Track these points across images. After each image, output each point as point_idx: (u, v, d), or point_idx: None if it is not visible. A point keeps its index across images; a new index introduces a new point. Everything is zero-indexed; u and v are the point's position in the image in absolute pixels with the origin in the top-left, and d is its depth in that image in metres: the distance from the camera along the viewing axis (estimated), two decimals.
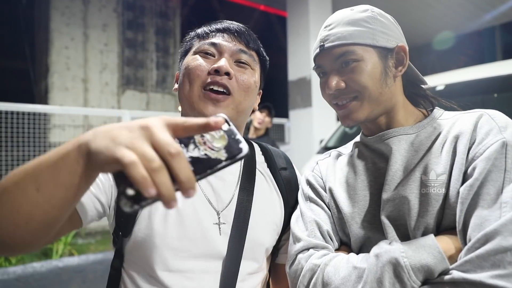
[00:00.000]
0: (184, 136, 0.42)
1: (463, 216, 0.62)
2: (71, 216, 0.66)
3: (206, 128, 0.41)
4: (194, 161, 0.41)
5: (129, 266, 0.77)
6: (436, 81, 2.55)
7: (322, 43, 0.76)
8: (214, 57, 0.80)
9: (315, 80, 4.45)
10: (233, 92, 0.78)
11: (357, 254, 0.71)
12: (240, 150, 0.42)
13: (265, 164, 0.91)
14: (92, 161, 0.43)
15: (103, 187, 0.72)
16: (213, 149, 0.42)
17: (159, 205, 0.75)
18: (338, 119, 0.86)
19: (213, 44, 0.80)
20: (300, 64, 4.75)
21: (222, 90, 0.77)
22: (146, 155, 0.37)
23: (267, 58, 0.91)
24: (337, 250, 0.78)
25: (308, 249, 0.74)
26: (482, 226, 0.58)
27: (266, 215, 0.83)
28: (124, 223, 0.75)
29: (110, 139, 0.40)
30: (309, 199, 0.83)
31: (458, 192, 0.64)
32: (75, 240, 4.53)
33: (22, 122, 3.91)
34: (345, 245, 0.79)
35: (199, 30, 0.86)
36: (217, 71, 0.76)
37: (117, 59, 6.29)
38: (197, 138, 0.43)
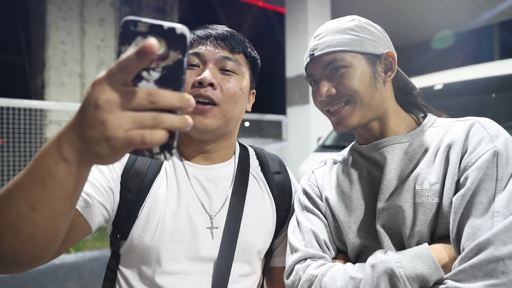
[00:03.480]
0: (133, 76, 0.38)
1: (456, 226, 0.63)
2: (81, 225, 0.68)
3: (143, 57, 0.36)
4: (163, 81, 0.38)
5: (125, 268, 0.78)
6: (434, 80, 2.55)
7: (312, 52, 0.78)
8: (199, 67, 0.79)
9: None
10: (219, 102, 0.77)
11: (354, 262, 0.73)
12: (182, 35, 0.37)
13: (259, 168, 0.92)
14: (97, 163, 0.42)
15: (106, 193, 0.73)
16: (163, 58, 0.38)
17: (156, 209, 0.77)
18: None
19: (196, 54, 0.79)
20: (298, 60, 4.74)
21: (207, 101, 0.77)
22: (141, 120, 0.37)
23: (257, 57, 0.90)
24: (334, 258, 0.79)
25: (305, 259, 0.76)
26: (475, 235, 0.59)
27: (258, 218, 0.84)
28: (122, 226, 0.76)
29: (100, 140, 0.38)
30: (305, 208, 0.84)
31: (451, 202, 0.65)
32: None
33: (18, 118, 3.89)
34: (342, 253, 0.80)
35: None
36: (200, 83, 0.76)
37: (114, 55, 6.25)
38: None
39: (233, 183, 0.85)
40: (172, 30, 0.37)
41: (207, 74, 0.76)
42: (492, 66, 2.46)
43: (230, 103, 0.79)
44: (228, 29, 0.85)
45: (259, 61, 0.90)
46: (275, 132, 6.32)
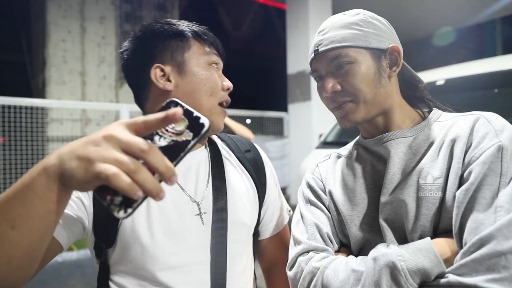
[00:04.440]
0: (148, 133, 0.43)
1: (459, 220, 0.63)
2: (51, 245, 0.65)
3: (166, 122, 0.41)
4: (165, 150, 0.43)
5: (119, 276, 0.76)
6: (437, 75, 2.53)
7: (316, 48, 0.78)
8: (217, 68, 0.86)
9: None
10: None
11: (357, 255, 0.73)
12: (203, 125, 0.44)
13: (229, 150, 0.95)
14: (67, 184, 0.43)
15: (77, 206, 0.72)
16: (177, 134, 0.44)
17: (139, 208, 0.73)
18: None
19: (217, 56, 0.86)
20: (299, 57, 4.73)
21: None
22: (122, 161, 0.39)
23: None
24: (337, 252, 0.79)
25: (308, 251, 0.76)
26: (478, 230, 0.59)
27: (241, 197, 0.87)
28: (105, 233, 0.74)
29: (80, 158, 0.40)
30: (309, 202, 0.85)
31: (455, 196, 0.65)
32: None
33: (20, 116, 3.89)
34: (345, 247, 0.81)
35: (195, 29, 0.84)
36: (228, 89, 0.85)
37: (115, 52, 6.24)
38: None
39: (210, 167, 0.87)
40: (198, 118, 0.44)
41: (230, 83, 0.87)
42: (494, 61, 2.45)
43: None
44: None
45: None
46: (276, 129, 6.31)
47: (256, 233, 0.95)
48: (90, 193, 0.75)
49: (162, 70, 0.80)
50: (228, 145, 0.96)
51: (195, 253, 0.77)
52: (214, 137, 0.96)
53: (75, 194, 0.72)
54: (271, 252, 0.98)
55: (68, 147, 0.43)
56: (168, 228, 0.75)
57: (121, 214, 0.40)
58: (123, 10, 6.38)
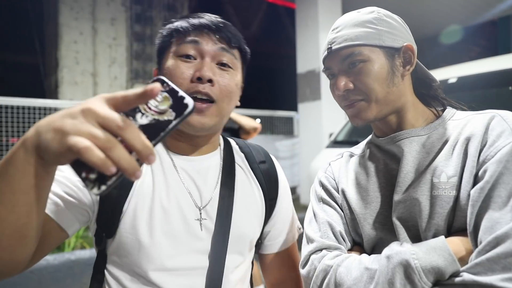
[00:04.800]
0: (127, 109, 0.42)
1: (474, 219, 0.62)
2: (53, 230, 0.66)
3: (145, 97, 0.40)
4: (145, 128, 0.41)
5: (114, 267, 0.76)
6: (449, 73, 2.50)
7: (329, 46, 0.77)
8: (196, 59, 0.76)
9: None
10: (217, 99, 0.76)
11: (370, 254, 0.72)
12: (186, 105, 0.42)
13: (244, 158, 0.91)
14: (43, 157, 0.43)
15: (81, 192, 0.71)
16: (160, 112, 0.42)
17: (144, 205, 0.74)
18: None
19: (194, 46, 0.76)
20: (309, 56, 4.71)
21: (205, 98, 0.75)
22: (97, 136, 0.38)
23: (248, 51, 0.87)
24: (350, 250, 0.79)
25: (321, 250, 0.75)
26: (493, 228, 0.58)
27: (248, 208, 0.84)
28: (107, 224, 0.74)
29: (55, 130, 0.40)
30: (322, 200, 0.84)
31: (469, 195, 0.64)
32: (86, 233, 4.60)
33: (34, 117, 3.96)
34: (358, 245, 0.80)
35: (177, 24, 0.78)
36: (199, 79, 0.74)
37: (126, 53, 6.31)
38: (142, 106, 0.43)
39: (220, 174, 0.84)
40: (182, 98, 0.43)
41: (206, 70, 0.74)
42: (509, 58, 2.40)
43: (226, 100, 0.78)
44: (222, 19, 0.82)
45: (249, 55, 0.88)
46: (286, 128, 6.30)
47: (262, 247, 0.93)
48: None
49: (155, 73, 0.83)
50: (244, 153, 0.92)
51: (192, 258, 0.76)
52: (232, 143, 0.94)
53: (80, 183, 0.71)
54: (277, 269, 0.94)
55: (46, 120, 0.42)
56: (168, 230, 0.74)
57: (95, 190, 0.39)
58: (133, 11, 6.45)
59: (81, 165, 0.39)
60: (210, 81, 0.75)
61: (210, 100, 0.75)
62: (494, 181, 0.61)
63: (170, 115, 0.42)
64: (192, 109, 0.42)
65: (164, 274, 0.73)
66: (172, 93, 0.43)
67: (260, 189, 0.88)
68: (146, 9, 6.59)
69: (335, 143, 3.18)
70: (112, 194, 0.73)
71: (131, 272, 0.74)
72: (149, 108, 0.42)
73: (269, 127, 6.10)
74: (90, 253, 3.48)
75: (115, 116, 0.39)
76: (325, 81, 4.52)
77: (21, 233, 0.49)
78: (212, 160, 0.85)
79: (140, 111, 0.42)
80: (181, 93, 0.43)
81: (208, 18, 0.80)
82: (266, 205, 0.88)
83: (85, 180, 0.39)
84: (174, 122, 0.41)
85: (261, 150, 0.96)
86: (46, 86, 6.71)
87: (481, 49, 9.09)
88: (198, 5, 8.19)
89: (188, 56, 0.76)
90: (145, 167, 0.78)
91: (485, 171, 0.63)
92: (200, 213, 0.78)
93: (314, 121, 4.65)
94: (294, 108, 5.47)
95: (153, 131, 0.41)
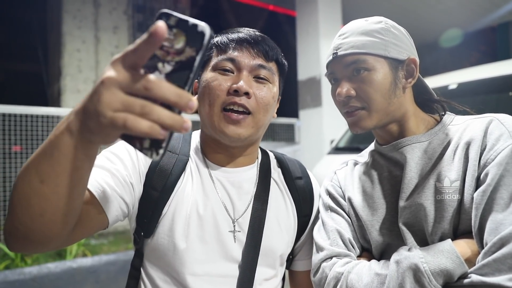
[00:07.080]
0: (144, 61, 0.38)
1: (478, 221, 0.63)
2: (97, 213, 0.68)
3: (154, 39, 0.36)
4: (172, 75, 0.38)
5: (149, 266, 0.79)
6: (449, 79, 2.51)
7: (335, 51, 0.78)
8: (233, 73, 0.79)
9: (325, 80, 4.42)
10: (253, 111, 0.78)
11: (379, 259, 0.74)
12: (203, 33, 0.38)
13: (280, 173, 0.92)
14: (90, 139, 0.43)
15: (128, 187, 0.73)
16: (179, 52, 0.38)
17: (182, 209, 0.77)
18: None
19: (231, 60, 0.78)
20: (310, 63, 4.73)
21: (242, 110, 0.77)
22: (129, 105, 0.37)
23: (286, 63, 0.89)
24: (359, 256, 0.80)
25: (331, 257, 0.77)
26: (497, 230, 0.60)
27: (280, 223, 0.85)
28: (146, 223, 0.76)
29: (91, 113, 0.39)
30: (329, 208, 0.86)
31: (472, 198, 0.65)
32: (88, 241, 4.59)
33: (36, 125, 3.98)
34: (366, 251, 0.82)
35: (217, 40, 0.82)
36: (236, 91, 0.76)
37: None
38: (158, 53, 0.39)
39: (255, 187, 0.85)
40: (195, 26, 0.38)
41: (243, 83, 0.76)
42: (508, 64, 2.41)
43: (262, 112, 0.79)
44: (260, 33, 0.84)
45: (286, 67, 0.89)
46: (287, 135, 6.31)
47: (292, 263, 0.93)
48: (142, 181, 0.77)
49: (196, 87, 0.85)
50: (281, 168, 0.93)
51: (223, 266, 0.77)
52: (271, 156, 0.94)
53: (129, 179, 0.73)
54: (303, 285, 0.93)
55: (80, 104, 0.42)
56: (201, 236, 0.77)
57: (154, 157, 0.38)
58: (135, 20, 6.51)
59: (130, 137, 0.38)
60: (246, 93, 0.76)
61: (246, 112, 0.77)
62: (495, 184, 0.62)
63: (191, 52, 0.38)
64: (210, 35, 0.38)
65: (195, 279, 0.75)
66: (182, 24, 0.38)
67: (294, 205, 0.89)
68: (147, 17, 6.65)
69: (337, 150, 3.18)
70: (154, 196, 0.76)
71: (164, 272, 0.77)
72: (167, 53, 0.38)
73: (271, 134, 6.11)
74: (91, 261, 3.47)
75: (137, 78, 0.37)
76: (326, 88, 4.53)
77: (62, 211, 0.50)
78: (248, 174, 0.86)
79: (159, 59, 0.39)
80: (191, 21, 0.38)
81: (247, 32, 0.82)
82: (298, 222, 0.88)
83: (141, 149, 0.38)
84: (198, 57, 0.38)
85: (299, 165, 0.96)
86: (49, 94, 6.75)
87: (481, 55, 9.12)
88: (199, 13, 8.26)
89: (226, 70, 0.79)
90: (186, 175, 0.80)
91: (486, 174, 0.64)
92: (234, 225, 0.80)
93: (315, 128, 4.65)
94: (295, 115, 5.48)
95: (181, 75, 0.38)
